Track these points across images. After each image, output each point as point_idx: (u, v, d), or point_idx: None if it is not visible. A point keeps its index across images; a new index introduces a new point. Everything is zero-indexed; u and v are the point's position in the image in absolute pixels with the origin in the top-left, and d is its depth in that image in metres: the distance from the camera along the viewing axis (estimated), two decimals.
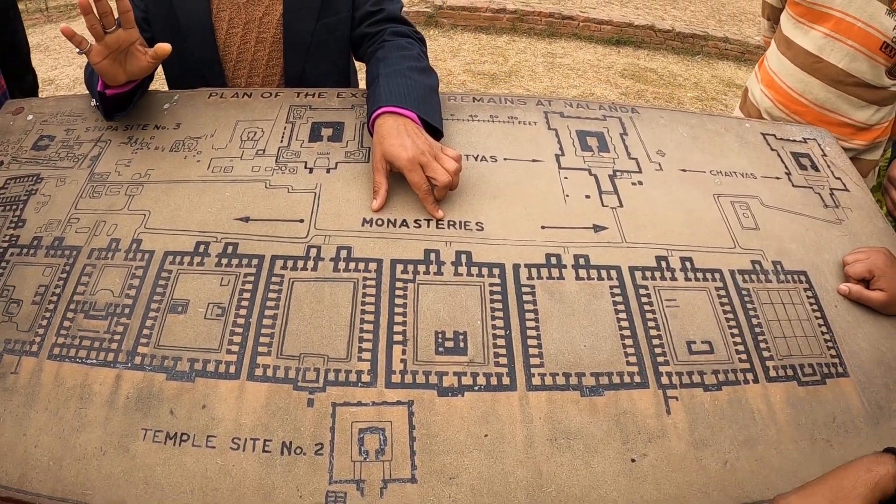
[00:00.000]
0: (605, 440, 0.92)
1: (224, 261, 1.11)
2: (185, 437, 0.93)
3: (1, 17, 1.99)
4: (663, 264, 1.12)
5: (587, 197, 1.21)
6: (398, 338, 1.01)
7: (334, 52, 1.57)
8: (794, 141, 1.47)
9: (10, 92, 1.90)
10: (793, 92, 1.86)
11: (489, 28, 6.73)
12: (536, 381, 0.96)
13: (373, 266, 1.09)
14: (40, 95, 2.30)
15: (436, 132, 1.25)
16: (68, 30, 1.12)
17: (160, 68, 1.61)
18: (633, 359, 1.00)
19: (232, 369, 0.99)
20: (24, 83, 2.12)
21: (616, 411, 0.95)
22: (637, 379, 0.98)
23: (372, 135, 1.25)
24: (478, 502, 0.87)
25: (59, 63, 5.74)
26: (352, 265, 1.09)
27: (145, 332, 1.03)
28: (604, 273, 1.09)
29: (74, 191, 1.24)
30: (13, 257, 1.15)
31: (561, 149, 1.30)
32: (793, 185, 1.34)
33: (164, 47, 1.17)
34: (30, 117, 1.47)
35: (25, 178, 1.30)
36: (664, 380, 0.99)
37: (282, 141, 1.32)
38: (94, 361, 1.00)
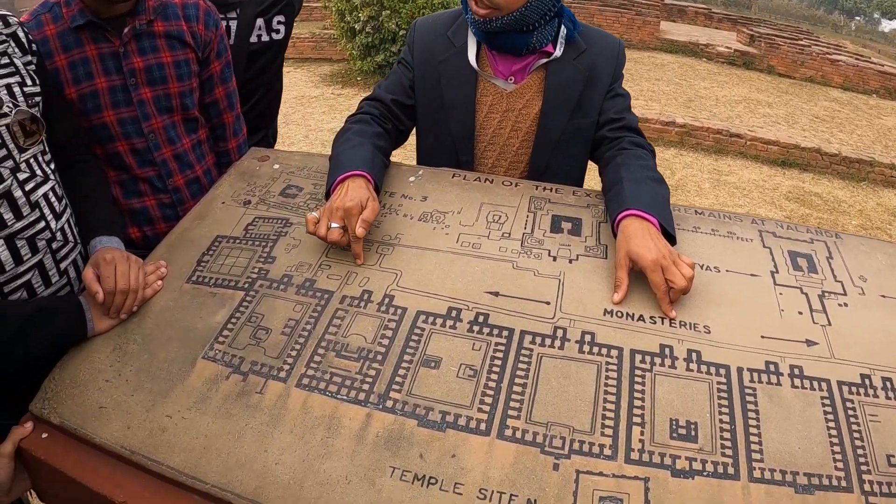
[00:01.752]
0: None
1: (476, 328, 1.22)
2: (433, 481, 1.01)
3: (270, 74, 2.30)
4: (867, 382, 1.16)
5: (800, 313, 1.27)
6: (637, 419, 1.08)
7: (578, 149, 1.70)
8: None
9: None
10: None
11: (657, 140, 6.81)
12: (757, 473, 1.01)
13: (614, 353, 1.18)
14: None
15: (670, 239, 1.35)
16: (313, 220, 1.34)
17: (412, 137, 1.82)
18: (840, 464, 1.03)
19: (482, 426, 1.08)
20: (265, 135, 2.41)
21: None
22: (843, 483, 1.02)
23: (615, 233, 1.37)
24: None
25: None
26: (595, 349, 1.19)
27: (398, 379, 1.15)
28: (815, 384, 1.14)
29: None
30: (262, 289, 1.31)
31: (775, 266, 1.38)
32: None
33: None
34: (276, 166, 1.68)
35: (274, 219, 1.49)
36: (866, 486, 1.02)
37: (525, 227, 1.46)
38: (345, 398, 1.12)
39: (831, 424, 1.08)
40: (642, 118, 6.58)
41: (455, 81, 1.65)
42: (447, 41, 1.65)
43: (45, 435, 1.12)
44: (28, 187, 1.26)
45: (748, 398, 1.11)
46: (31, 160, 1.28)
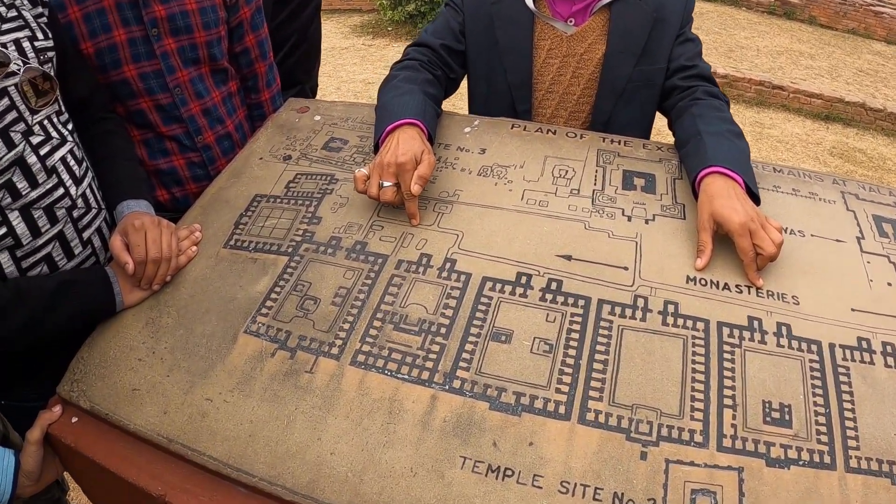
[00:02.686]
0: None
1: (549, 296, 1.10)
2: (509, 473, 0.91)
3: (304, 20, 2.16)
4: None
5: (889, 284, 1.16)
6: (728, 402, 0.98)
7: (645, 99, 1.56)
8: None
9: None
10: None
11: None
12: (853, 463, 0.92)
13: (700, 325, 1.07)
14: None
15: (755, 199, 1.22)
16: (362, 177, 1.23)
17: (465, 84, 1.68)
18: None
19: (562, 409, 0.97)
20: (301, 90, 2.27)
21: None
22: None
23: (696, 191, 1.24)
24: None
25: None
26: (679, 321, 1.07)
27: (465, 355, 1.03)
28: None
29: None
30: (308, 253, 1.19)
31: (861, 232, 1.27)
32: None
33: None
34: (317, 118, 1.55)
35: (318, 176, 1.36)
36: None
37: (595, 183, 1.32)
38: (407, 377, 1.01)
39: None
40: None
41: (510, 24, 1.51)
42: None
43: (74, 419, 1.03)
44: (43, 151, 1.13)
45: (842, 378, 1.01)
46: (45, 122, 1.15)
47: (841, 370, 1.02)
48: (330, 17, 9.19)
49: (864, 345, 1.05)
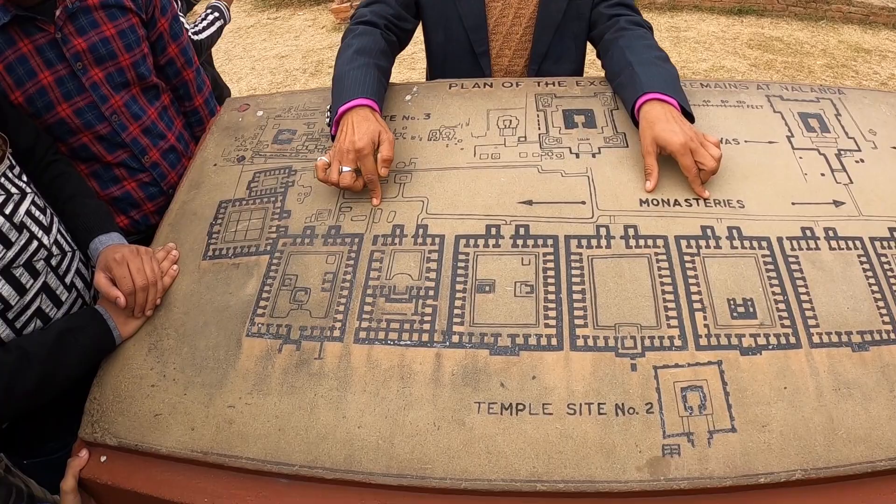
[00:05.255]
0: (876, 388, 0.99)
1: (519, 242, 1.18)
2: (520, 407, 0.99)
3: None
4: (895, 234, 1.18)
5: (822, 175, 1.28)
6: (697, 305, 1.08)
7: (578, 31, 1.64)
8: None
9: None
10: None
11: None
12: (816, 339, 1.04)
13: (660, 242, 1.16)
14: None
15: (689, 118, 1.30)
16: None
17: (419, 34, 1.74)
18: (886, 318, 1.06)
19: (554, 341, 1.05)
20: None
21: (881, 364, 1.02)
22: (893, 336, 1.05)
23: (635, 119, 1.32)
24: (786, 446, 0.94)
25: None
26: (641, 241, 1.16)
27: (456, 311, 1.10)
28: (850, 243, 1.16)
29: None
30: (286, 247, 1.23)
31: (790, 130, 1.37)
32: None
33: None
34: (259, 113, 1.56)
35: (276, 170, 1.39)
36: None
37: (539, 128, 1.39)
38: (409, 342, 1.08)
39: (871, 281, 1.11)
40: None
41: None
42: None
43: (103, 458, 1.06)
44: (7, 210, 1.14)
45: (793, 266, 1.13)
46: (3, 180, 1.16)
47: (791, 259, 1.13)
48: None
49: (808, 233, 1.17)
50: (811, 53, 5.53)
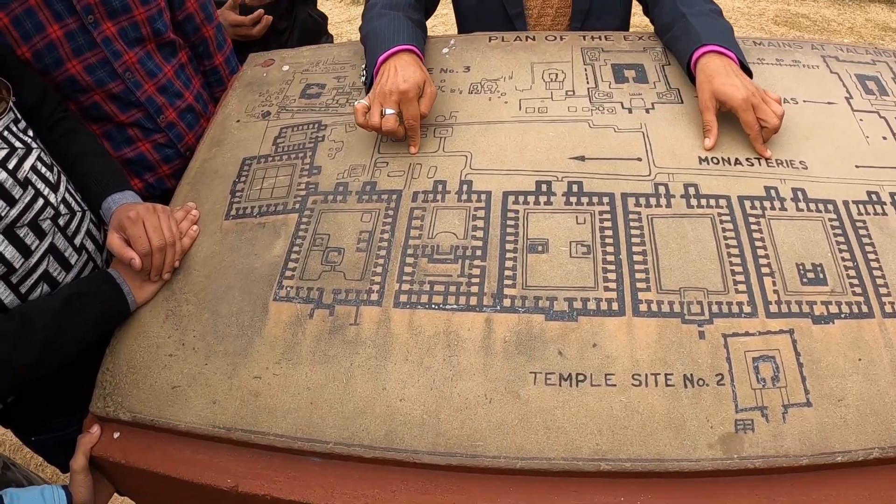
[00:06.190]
0: None
1: (573, 199, 1.09)
2: (581, 378, 0.91)
3: None
4: None
5: (884, 138, 1.20)
6: (765, 270, 1.00)
7: None
8: None
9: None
10: None
11: None
12: (888, 308, 0.96)
13: (723, 202, 1.08)
14: None
15: (748, 73, 1.22)
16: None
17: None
18: None
19: (615, 306, 0.97)
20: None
21: None
22: None
23: (692, 73, 1.23)
24: (863, 422, 0.86)
25: None
26: (703, 201, 1.08)
27: (507, 273, 1.01)
28: None
29: (371, 134, 1.22)
30: (317, 205, 1.14)
31: (848, 92, 1.30)
32: None
33: None
34: (285, 68, 1.47)
35: (304, 125, 1.30)
36: None
37: (588, 82, 1.30)
38: (455, 306, 0.99)
39: None
40: None
41: None
42: None
43: (117, 435, 0.98)
44: (11, 164, 1.04)
45: (861, 232, 1.05)
46: (5, 132, 1.06)
47: (859, 224, 1.06)
48: None
49: (874, 198, 1.09)
50: (838, 31, 5.40)
